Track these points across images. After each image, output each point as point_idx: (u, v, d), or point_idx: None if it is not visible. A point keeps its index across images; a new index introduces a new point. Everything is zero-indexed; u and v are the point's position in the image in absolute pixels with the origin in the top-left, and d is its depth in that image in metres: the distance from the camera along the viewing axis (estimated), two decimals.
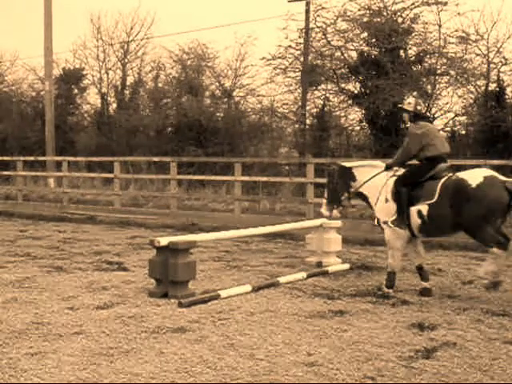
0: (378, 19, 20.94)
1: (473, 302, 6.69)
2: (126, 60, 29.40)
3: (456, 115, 21.55)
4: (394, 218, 7.24)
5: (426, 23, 20.89)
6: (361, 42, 21.53)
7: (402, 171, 7.43)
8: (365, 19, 21.09)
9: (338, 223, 9.03)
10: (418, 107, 7.56)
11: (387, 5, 21.08)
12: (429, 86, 21.18)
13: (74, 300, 6.59)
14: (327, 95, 22.81)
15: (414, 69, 21.01)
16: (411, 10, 20.88)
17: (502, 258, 6.82)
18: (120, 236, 12.22)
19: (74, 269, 8.47)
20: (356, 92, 21.71)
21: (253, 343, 5.13)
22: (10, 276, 7.84)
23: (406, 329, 5.61)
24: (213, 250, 10.30)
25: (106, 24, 30.89)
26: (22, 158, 20.55)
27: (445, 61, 20.79)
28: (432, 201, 6.99)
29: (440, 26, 20.64)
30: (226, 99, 25.87)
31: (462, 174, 7.03)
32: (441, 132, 19.27)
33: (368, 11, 21.16)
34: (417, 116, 7.46)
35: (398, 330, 5.55)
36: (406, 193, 7.16)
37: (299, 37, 22.50)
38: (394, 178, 7.39)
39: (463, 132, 21.67)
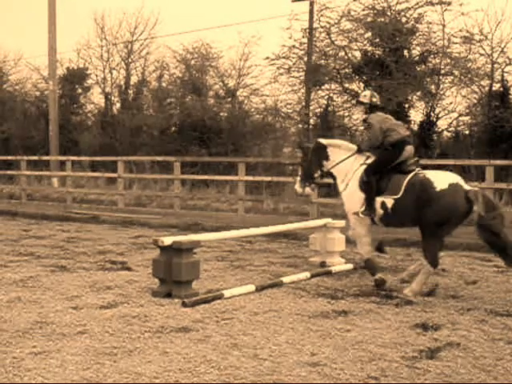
0: (382, 19, 20.90)
1: (476, 302, 6.67)
2: (130, 60, 29.41)
3: (460, 115, 21.52)
4: (363, 208, 7.44)
5: (430, 23, 20.85)
6: (365, 42, 21.50)
7: (371, 159, 7.61)
8: (369, 19, 21.06)
9: (342, 223, 9.03)
10: (374, 99, 7.80)
11: (391, 5, 21.05)
12: (433, 86, 21.14)
13: (77, 299, 6.59)
14: (331, 95, 22.79)
15: (418, 69, 20.97)
16: (415, 9, 20.85)
17: (429, 274, 7.10)
18: (123, 235, 12.24)
19: (78, 268, 8.48)
20: (360, 92, 21.69)
21: (256, 343, 5.13)
22: (14, 275, 7.86)
23: (409, 329, 5.61)
24: (216, 249, 10.30)
25: (109, 23, 31.04)
26: (25, 158, 20.57)
27: (449, 61, 20.74)
28: (397, 196, 7.21)
29: (444, 25, 20.60)
30: (229, 99, 25.87)
31: (428, 174, 7.21)
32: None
33: (372, 11, 21.13)
34: (373, 107, 7.74)
35: (402, 330, 5.55)
36: (375, 183, 7.35)
37: (303, 37, 22.47)
38: (364, 166, 7.59)
39: (467, 132, 21.66)
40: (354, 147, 7.92)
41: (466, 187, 7.03)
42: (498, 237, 6.80)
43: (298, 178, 8.19)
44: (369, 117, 7.68)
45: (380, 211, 7.35)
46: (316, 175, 8.06)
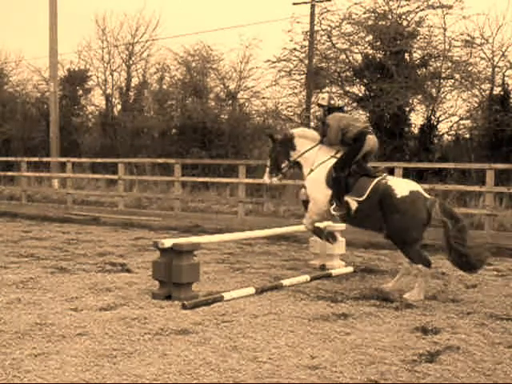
0: (383, 22, 20.94)
1: (476, 306, 6.67)
2: (131, 61, 29.46)
3: (460, 119, 21.54)
4: (334, 205, 7.64)
5: (431, 26, 20.91)
6: (365, 45, 21.55)
7: (341, 153, 7.81)
8: (370, 22, 21.11)
9: (342, 226, 9.02)
10: (332, 101, 8.16)
11: (392, 8, 21.10)
12: (433, 90, 21.17)
13: (77, 301, 6.59)
14: None
15: (419, 72, 21.01)
16: (416, 13, 20.90)
17: (427, 276, 7.07)
18: (124, 237, 12.23)
19: (78, 270, 8.48)
20: (360, 95, 21.71)
21: (256, 346, 5.12)
22: (14, 277, 7.86)
23: (409, 332, 5.60)
24: (216, 252, 10.30)
25: (111, 25, 31.11)
26: (26, 159, 20.56)
27: (449, 64, 20.78)
28: (361, 198, 7.38)
29: (445, 29, 20.65)
30: (230, 101, 25.91)
31: (390, 181, 7.36)
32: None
33: (373, 14, 21.18)
34: (331, 110, 8.03)
35: (402, 334, 5.54)
36: (344, 180, 7.53)
37: (304, 39, 22.53)
38: (334, 159, 7.80)
39: (467, 136, 21.67)
40: (319, 137, 8.17)
41: (426, 196, 7.18)
42: (465, 257, 6.86)
43: (267, 169, 8.39)
44: (327, 118, 7.92)
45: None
46: (283, 165, 8.32)
